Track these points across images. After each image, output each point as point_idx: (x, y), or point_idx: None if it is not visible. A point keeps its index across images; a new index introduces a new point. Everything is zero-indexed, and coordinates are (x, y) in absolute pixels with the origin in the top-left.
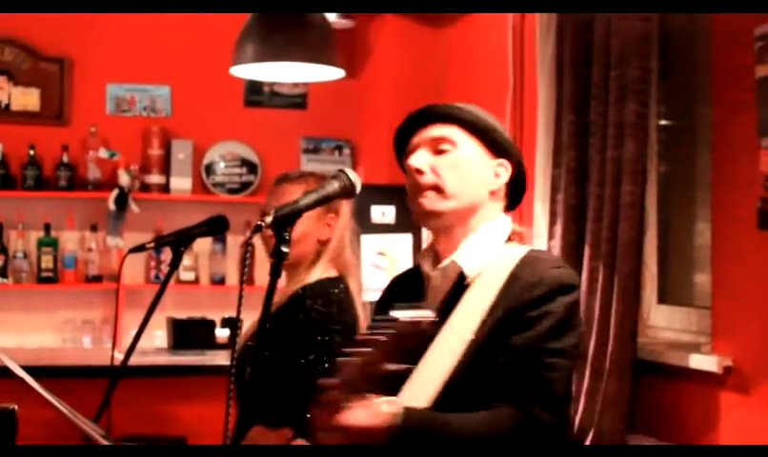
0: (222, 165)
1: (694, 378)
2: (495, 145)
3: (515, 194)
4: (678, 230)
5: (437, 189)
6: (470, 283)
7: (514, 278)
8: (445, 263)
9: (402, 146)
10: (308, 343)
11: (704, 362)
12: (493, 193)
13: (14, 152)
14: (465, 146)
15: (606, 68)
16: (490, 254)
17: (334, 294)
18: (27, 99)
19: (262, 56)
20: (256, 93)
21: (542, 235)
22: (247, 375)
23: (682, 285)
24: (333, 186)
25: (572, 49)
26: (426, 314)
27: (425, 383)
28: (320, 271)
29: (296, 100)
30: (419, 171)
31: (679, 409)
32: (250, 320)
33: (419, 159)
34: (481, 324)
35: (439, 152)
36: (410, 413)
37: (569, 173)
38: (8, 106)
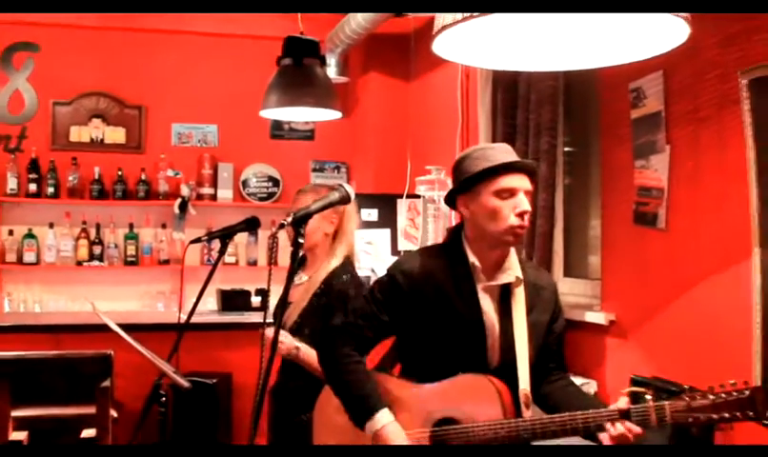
0: (254, 180)
1: (589, 329)
2: None
3: None
4: (578, 225)
5: (524, 231)
6: (512, 287)
7: (534, 285)
8: (508, 275)
9: (479, 175)
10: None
11: (596, 317)
12: None
13: (107, 173)
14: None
15: (527, 111)
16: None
17: (353, 274)
18: (115, 135)
19: (283, 103)
20: (279, 129)
21: None
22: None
23: (580, 263)
24: (335, 195)
25: (503, 98)
26: None
27: (524, 367)
28: (335, 260)
29: (307, 134)
30: (527, 214)
31: (580, 350)
32: (275, 290)
33: (528, 205)
34: (528, 317)
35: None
36: None
37: None
38: (102, 140)
